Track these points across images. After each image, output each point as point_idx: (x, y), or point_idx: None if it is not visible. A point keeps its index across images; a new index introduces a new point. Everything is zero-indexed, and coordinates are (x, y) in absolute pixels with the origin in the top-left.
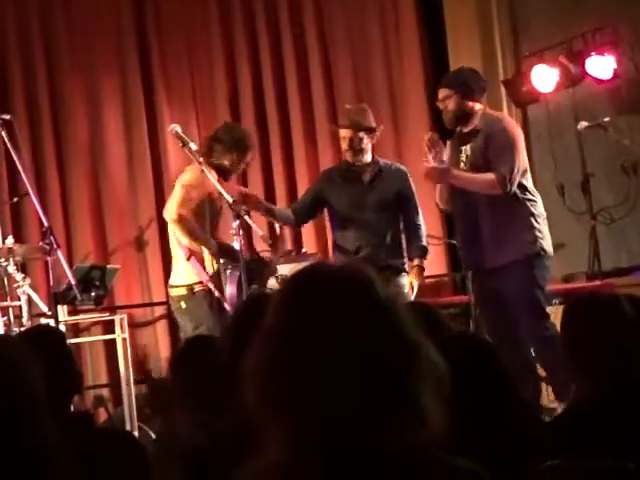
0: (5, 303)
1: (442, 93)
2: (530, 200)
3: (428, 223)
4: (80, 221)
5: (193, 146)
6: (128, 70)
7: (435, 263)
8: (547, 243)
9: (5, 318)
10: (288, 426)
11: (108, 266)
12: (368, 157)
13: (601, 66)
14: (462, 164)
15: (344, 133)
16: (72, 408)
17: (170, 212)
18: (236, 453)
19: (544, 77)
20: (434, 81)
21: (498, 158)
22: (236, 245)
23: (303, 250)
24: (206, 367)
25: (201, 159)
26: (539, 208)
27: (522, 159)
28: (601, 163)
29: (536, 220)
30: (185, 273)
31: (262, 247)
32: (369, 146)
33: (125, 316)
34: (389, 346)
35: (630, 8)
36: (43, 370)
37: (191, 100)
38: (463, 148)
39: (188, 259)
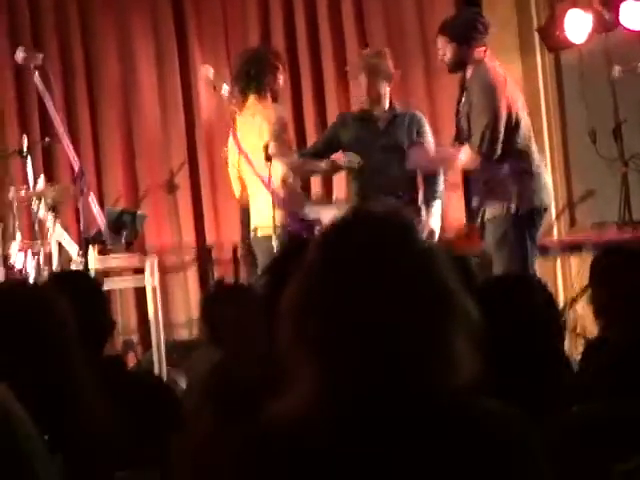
0: (37, 242)
1: (439, 41)
2: (512, 159)
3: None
4: (111, 164)
5: (225, 87)
6: (160, 9)
7: (457, 211)
8: (530, 199)
9: (35, 261)
10: (319, 365)
11: (138, 212)
12: (385, 104)
13: (636, 12)
14: (461, 117)
15: (361, 79)
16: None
17: None
18: (265, 391)
19: (578, 22)
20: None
21: (475, 126)
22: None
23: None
24: (233, 309)
25: (233, 101)
26: (528, 165)
27: (501, 121)
28: (634, 109)
29: (517, 178)
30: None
31: None
32: (387, 92)
33: (156, 259)
34: (424, 291)
35: None
36: (75, 313)
37: (223, 40)
38: (462, 98)
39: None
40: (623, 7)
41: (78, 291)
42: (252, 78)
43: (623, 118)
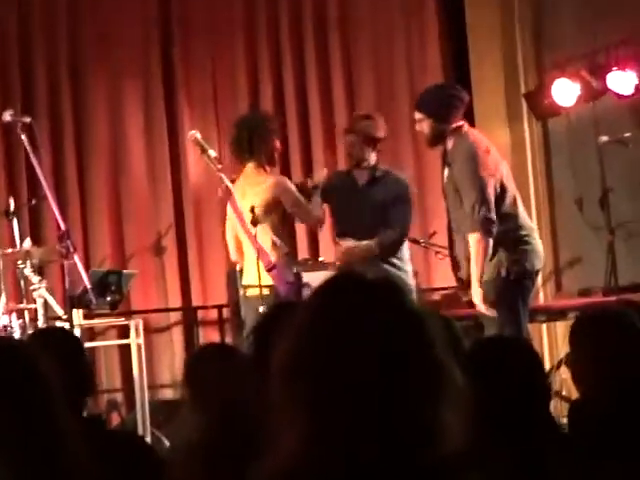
0: (21, 305)
1: (416, 115)
2: (501, 225)
3: (443, 236)
4: (98, 225)
5: (212, 153)
6: (150, 74)
7: (449, 275)
8: (523, 264)
9: (21, 321)
10: (308, 425)
11: (125, 271)
12: (369, 164)
13: (623, 81)
14: (445, 186)
15: (345, 137)
16: (85, 411)
17: None
18: (248, 453)
19: (565, 91)
20: None
21: (466, 199)
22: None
23: (320, 259)
24: (220, 370)
25: (219, 166)
26: (517, 231)
27: (489, 189)
28: (621, 178)
29: (507, 244)
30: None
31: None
32: (372, 155)
33: (141, 321)
34: (415, 363)
35: None
36: (56, 371)
37: (212, 106)
38: (445, 170)
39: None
40: (610, 76)
41: (59, 348)
42: (249, 145)
43: (610, 186)
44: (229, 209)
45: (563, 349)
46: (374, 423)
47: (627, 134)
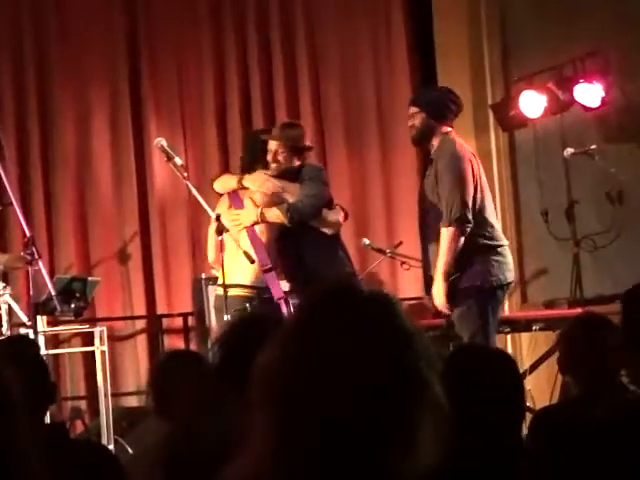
0: None
1: (410, 110)
2: (478, 234)
3: (409, 246)
4: (64, 232)
5: (178, 160)
6: (117, 82)
7: (414, 285)
8: (496, 275)
9: None
10: (277, 439)
11: (89, 278)
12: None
13: (589, 93)
14: (425, 186)
15: (271, 145)
16: (48, 419)
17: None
18: (214, 462)
19: (532, 102)
20: None
21: (444, 197)
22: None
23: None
24: (184, 378)
25: (185, 174)
26: (492, 241)
27: (470, 191)
28: (587, 190)
29: (483, 253)
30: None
31: None
32: (294, 160)
33: (105, 328)
34: (396, 378)
35: (620, 36)
36: (18, 379)
37: (179, 114)
38: (428, 170)
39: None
40: (577, 88)
41: (19, 357)
42: (246, 166)
43: (576, 198)
44: (223, 209)
45: (528, 360)
46: (351, 442)
47: (593, 146)
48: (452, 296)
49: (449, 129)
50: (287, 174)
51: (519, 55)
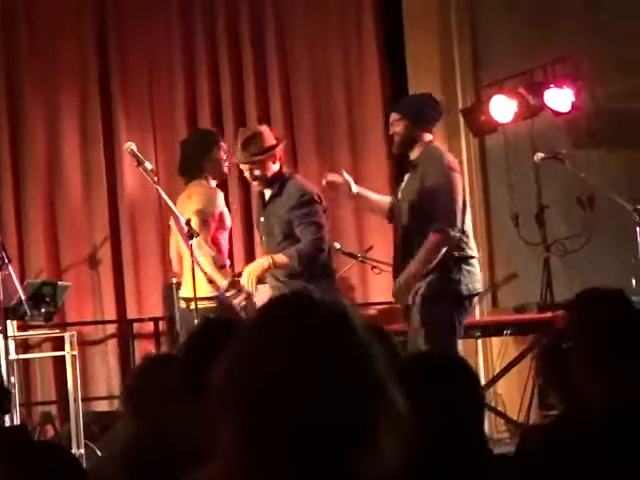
0: None
1: (392, 117)
2: (457, 244)
3: (379, 251)
4: (34, 237)
5: (148, 165)
6: (86, 86)
7: (385, 290)
8: (466, 285)
9: None
10: (240, 448)
11: (59, 283)
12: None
13: (560, 98)
14: (399, 193)
15: (243, 168)
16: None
17: None
18: (179, 464)
19: (502, 107)
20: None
21: (437, 209)
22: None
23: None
24: (159, 383)
25: (155, 178)
26: (466, 251)
27: (460, 199)
28: (557, 195)
29: (457, 262)
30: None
31: None
32: (271, 166)
33: (75, 333)
34: (355, 384)
35: (590, 41)
36: None
37: (149, 119)
38: (405, 176)
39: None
40: (547, 93)
41: None
42: (189, 163)
43: (546, 203)
44: (172, 223)
45: (498, 364)
46: (312, 449)
47: (563, 151)
48: (421, 302)
49: (431, 137)
50: (269, 185)
51: (489, 60)
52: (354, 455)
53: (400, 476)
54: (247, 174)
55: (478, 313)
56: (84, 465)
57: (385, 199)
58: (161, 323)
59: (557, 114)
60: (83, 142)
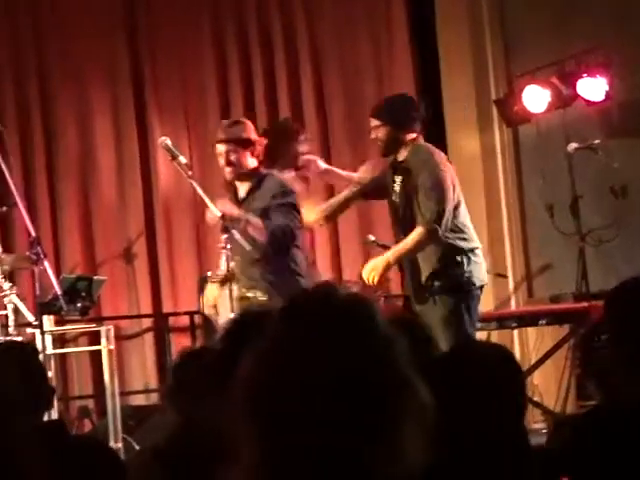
0: None
1: (372, 123)
2: (458, 237)
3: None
4: (69, 232)
5: (182, 159)
6: (119, 82)
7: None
8: (477, 276)
9: None
10: (264, 446)
11: (95, 277)
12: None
13: (593, 88)
14: (394, 195)
15: (218, 149)
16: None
17: None
18: (212, 459)
19: (535, 97)
20: (425, 99)
21: (425, 203)
22: (223, 259)
23: None
24: (194, 378)
25: (190, 172)
26: (469, 243)
27: (450, 197)
28: (590, 185)
29: (465, 255)
30: None
31: None
32: (249, 160)
33: (112, 327)
34: (378, 379)
35: (623, 30)
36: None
37: (182, 112)
38: (397, 178)
39: None
40: (580, 83)
41: (16, 364)
42: (271, 153)
43: (580, 193)
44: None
45: (534, 355)
46: (335, 443)
47: (597, 141)
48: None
49: (414, 135)
50: (245, 178)
51: (521, 50)
52: (373, 453)
53: (434, 471)
54: (223, 158)
55: (514, 304)
56: (121, 459)
57: (352, 175)
58: (196, 316)
59: (590, 104)
60: (116, 137)
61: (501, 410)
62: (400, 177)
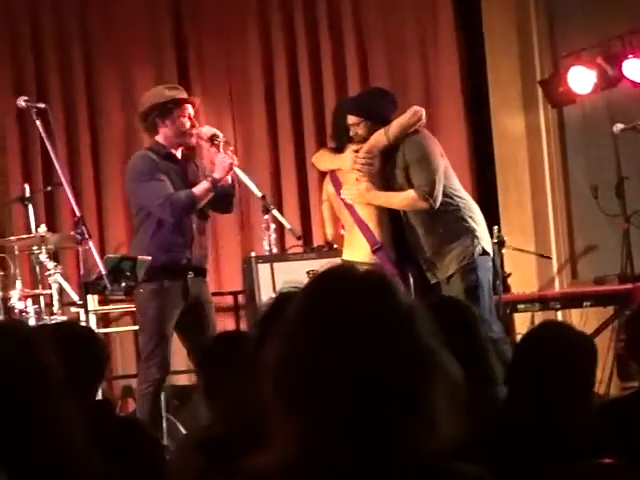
0: (37, 291)
1: (351, 120)
2: (457, 205)
3: None
4: (113, 212)
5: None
6: (164, 61)
7: None
8: (486, 243)
9: (36, 306)
10: (298, 424)
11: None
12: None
13: (638, 69)
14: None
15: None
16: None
17: None
18: (255, 446)
19: (581, 78)
20: (470, 81)
21: (416, 174)
22: (267, 239)
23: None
24: (231, 361)
25: (232, 148)
26: (470, 208)
27: (441, 167)
28: (636, 166)
29: (469, 221)
30: None
31: (292, 242)
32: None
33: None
34: (404, 351)
35: None
36: (65, 359)
37: (226, 94)
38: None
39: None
40: (626, 63)
41: (65, 339)
42: (342, 130)
43: (625, 174)
44: (329, 189)
45: None
46: (369, 416)
47: None
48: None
49: None
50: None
51: (567, 31)
52: (408, 424)
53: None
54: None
55: (558, 285)
56: (165, 438)
57: None
58: (240, 297)
59: (636, 84)
60: None
61: (572, 389)
62: (390, 162)
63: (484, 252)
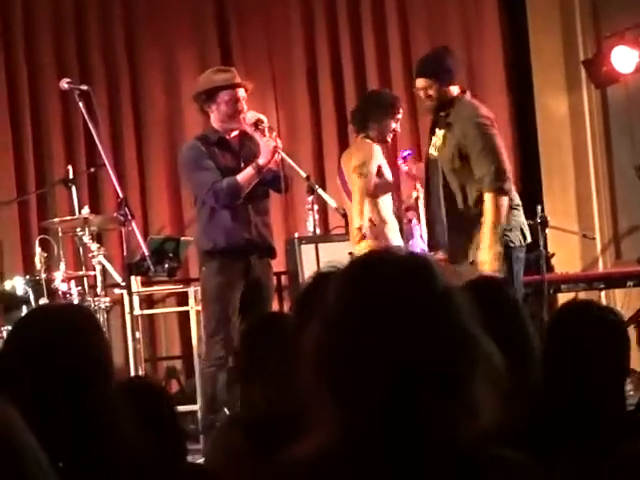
0: (80, 273)
1: (420, 83)
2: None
3: None
4: (156, 192)
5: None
6: (206, 43)
7: None
8: (515, 235)
9: (80, 288)
10: (338, 410)
11: (182, 238)
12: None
13: None
14: (432, 148)
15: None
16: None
17: None
18: (295, 428)
19: (624, 58)
20: (514, 61)
21: (480, 167)
22: (311, 220)
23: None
24: (272, 343)
25: (275, 134)
26: (515, 200)
27: (502, 151)
28: None
29: (514, 213)
30: None
31: (335, 223)
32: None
33: (199, 288)
34: (444, 336)
35: None
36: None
37: (269, 74)
38: (437, 131)
39: None
40: None
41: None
42: (363, 118)
43: None
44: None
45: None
46: (408, 401)
47: None
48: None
49: (457, 89)
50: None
51: (610, 11)
52: (448, 410)
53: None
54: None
55: (601, 265)
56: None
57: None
58: (283, 278)
59: None
60: None
61: (606, 371)
62: (442, 131)
63: (512, 243)
